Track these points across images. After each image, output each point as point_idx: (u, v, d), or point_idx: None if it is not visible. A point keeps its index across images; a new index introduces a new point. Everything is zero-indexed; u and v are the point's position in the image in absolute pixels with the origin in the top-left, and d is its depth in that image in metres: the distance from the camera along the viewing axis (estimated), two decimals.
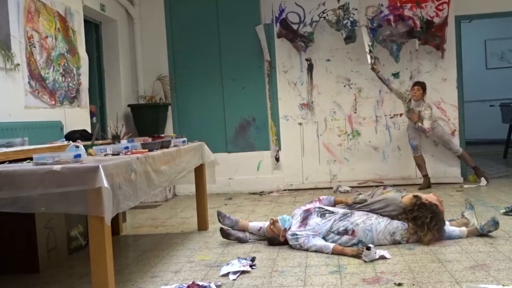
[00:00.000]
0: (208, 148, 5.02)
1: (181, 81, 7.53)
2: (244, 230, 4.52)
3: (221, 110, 7.47)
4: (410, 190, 6.68)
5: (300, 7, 7.28)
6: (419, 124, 6.62)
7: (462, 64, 7.28)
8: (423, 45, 7.07)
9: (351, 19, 7.16)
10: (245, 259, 3.77)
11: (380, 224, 4.05)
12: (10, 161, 3.17)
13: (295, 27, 7.30)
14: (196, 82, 7.50)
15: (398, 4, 7.14)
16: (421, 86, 6.72)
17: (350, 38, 7.14)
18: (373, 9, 7.17)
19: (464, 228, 4.21)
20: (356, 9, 7.14)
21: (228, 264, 3.68)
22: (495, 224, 4.10)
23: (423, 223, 4.01)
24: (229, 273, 3.54)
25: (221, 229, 4.54)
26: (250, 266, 3.66)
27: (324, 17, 7.23)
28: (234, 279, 3.46)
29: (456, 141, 7.09)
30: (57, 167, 2.71)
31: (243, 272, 3.57)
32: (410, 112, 6.74)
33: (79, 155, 2.92)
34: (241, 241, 4.45)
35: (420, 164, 6.89)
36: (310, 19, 7.27)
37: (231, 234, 4.49)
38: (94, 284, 2.76)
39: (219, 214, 4.60)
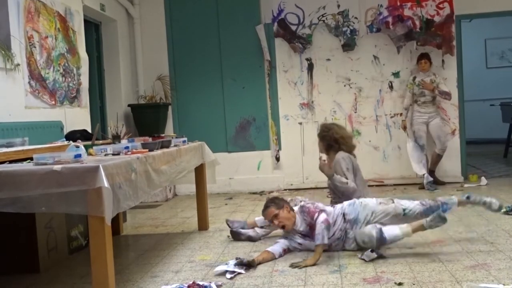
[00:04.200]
0: (209, 147, 5.02)
1: (181, 81, 7.54)
2: (253, 227, 4.54)
3: (221, 109, 7.47)
4: (410, 189, 6.74)
5: (300, 9, 7.29)
6: (439, 89, 6.73)
7: (462, 64, 7.28)
8: (422, 46, 7.09)
9: (350, 27, 7.18)
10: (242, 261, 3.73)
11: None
12: (11, 161, 3.18)
13: (293, 28, 7.30)
14: (197, 82, 7.50)
15: (398, 4, 7.14)
16: (428, 58, 6.83)
17: (348, 46, 7.18)
18: (373, 11, 7.18)
19: (404, 225, 3.79)
20: (356, 18, 7.16)
21: (226, 264, 3.67)
22: (442, 220, 3.70)
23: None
24: (226, 271, 3.54)
25: (231, 231, 4.56)
26: (246, 269, 3.64)
27: (323, 21, 7.24)
28: (230, 277, 3.46)
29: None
30: (57, 167, 2.71)
31: (239, 273, 3.56)
32: (422, 83, 6.75)
33: (79, 155, 2.92)
34: (252, 239, 4.46)
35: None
36: (309, 21, 7.28)
37: (242, 234, 4.51)
38: (94, 284, 2.76)
39: (227, 221, 4.65)
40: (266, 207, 4.06)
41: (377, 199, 4.00)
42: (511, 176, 7.40)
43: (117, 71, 7.14)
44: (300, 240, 3.99)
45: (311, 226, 3.88)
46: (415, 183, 7.02)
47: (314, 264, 3.66)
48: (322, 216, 3.79)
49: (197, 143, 4.80)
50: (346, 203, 4.04)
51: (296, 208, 4.07)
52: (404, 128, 7.00)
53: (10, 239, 3.87)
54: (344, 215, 3.93)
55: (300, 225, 3.97)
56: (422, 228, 3.76)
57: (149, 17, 7.55)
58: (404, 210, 3.88)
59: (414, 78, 6.85)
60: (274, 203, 4.04)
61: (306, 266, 3.64)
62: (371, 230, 3.74)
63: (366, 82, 7.26)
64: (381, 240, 3.72)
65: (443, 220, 3.70)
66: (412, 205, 3.92)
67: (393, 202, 3.95)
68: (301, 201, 4.23)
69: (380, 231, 3.73)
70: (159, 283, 3.46)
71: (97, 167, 2.67)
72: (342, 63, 7.28)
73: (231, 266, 3.60)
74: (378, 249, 3.74)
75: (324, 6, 7.24)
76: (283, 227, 4.01)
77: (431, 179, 6.69)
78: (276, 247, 3.94)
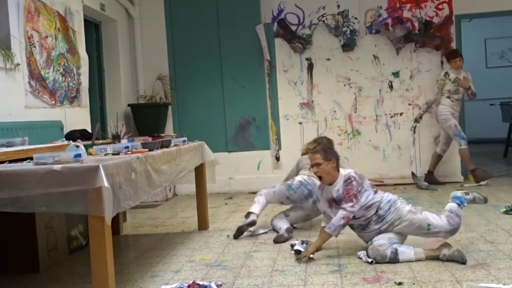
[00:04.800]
0: (208, 147, 5.02)
1: (181, 80, 7.54)
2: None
3: (221, 109, 7.47)
4: (410, 189, 6.73)
5: (300, 9, 7.29)
6: (472, 89, 6.78)
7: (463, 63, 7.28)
8: (421, 47, 7.10)
9: (350, 27, 7.19)
10: (307, 243, 4.02)
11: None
12: (11, 161, 3.18)
13: (293, 28, 7.31)
14: (196, 82, 7.50)
15: (397, 5, 7.16)
16: (461, 55, 6.84)
17: (348, 46, 7.20)
18: (372, 12, 7.19)
19: (420, 251, 3.66)
20: (356, 18, 7.17)
21: (295, 244, 3.97)
22: (461, 259, 3.52)
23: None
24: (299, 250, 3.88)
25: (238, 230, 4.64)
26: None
27: (323, 21, 7.25)
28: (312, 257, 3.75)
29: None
30: (57, 166, 2.71)
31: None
32: (457, 81, 6.71)
33: (79, 155, 2.92)
34: (253, 223, 4.60)
35: (469, 157, 6.74)
36: (309, 21, 7.29)
37: (243, 227, 4.59)
38: (94, 284, 2.76)
39: (238, 229, 4.65)
40: (315, 151, 3.94)
41: (410, 207, 3.81)
42: (511, 176, 7.40)
43: (117, 71, 7.14)
44: (327, 210, 3.90)
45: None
46: (415, 183, 7.01)
47: (316, 250, 3.74)
48: (349, 213, 3.70)
49: (197, 142, 4.80)
50: (385, 198, 3.83)
51: (342, 171, 3.90)
52: (416, 120, 6.93)
53: (10, 239, 3.87)
54: (378, 208, 3.78)
55: (337, 190, 3.83)
56: (437, 258, 3.60)
57: (149, 17, 7.55)
58: (428, 225, 3.70)
59: (447, 74, 6.79)
60: (323, 152, 3.88)
61: (308, 255, 3.71)
62: (386, 249, 3.61)
63: (366, 82, 7.26)
64: (394, 260, 3.59)
65: (462, 260, 3.52)
66: (439, 223, 3.71)
67: (421, 214, 3.77)
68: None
69: (395, 252, 3.60)
70: (159, 283, 3.46)
71: (97, 167, 2.67)
72: (342, 63, 7.28)
73: (299, 245, 3.87)
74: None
75: (324, 6, 7.25)
76: (320, 177, 3.87)
77: (424, 183, 6.76)
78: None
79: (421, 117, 6.95)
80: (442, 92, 6.82)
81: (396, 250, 3.62)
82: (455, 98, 6.79)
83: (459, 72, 6.80)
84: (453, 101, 6.79)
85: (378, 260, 3.61)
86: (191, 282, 3.34)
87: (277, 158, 7.40)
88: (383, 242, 3.67)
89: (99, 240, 2.73)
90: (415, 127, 6.98)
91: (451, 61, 6.81)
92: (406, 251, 3.63)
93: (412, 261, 3.59)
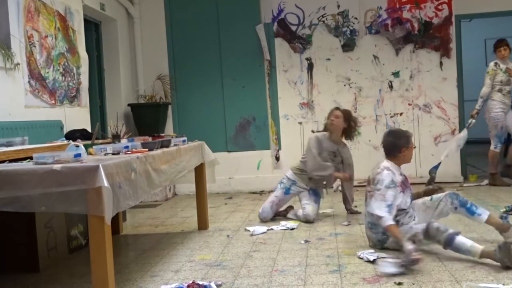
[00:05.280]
0: (208, 147, 5.02)
1: (181, 80, 7.54)
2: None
3: (221, 109, 7.48)
4: None
5: (300, 9, 7.31)
6: None
7: (462, 63, 7.29)
8: (420, 48, 7.10)
9: (350, 27, 7.20)
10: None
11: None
12: (10, 161, 3.18)
13: (293, 28, 7.33)
14: (196, 81, 7.51)
15: (397, 6, 7.16)
16: (507, 44, 6.56)
17: (348, 46, 7.22)
18: (372, 13, 7.20)
19: (477, 245, 3.49)
20: (356, 18, 7.18)
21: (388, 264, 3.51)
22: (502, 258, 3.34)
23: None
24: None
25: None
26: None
27: (323, 21, 7.26)
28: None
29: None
30: (57, 166, 2.71)
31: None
32: (508, 70, 6.45)
33: (79, 155, 2.92)
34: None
35: (498, 160, 6.64)
36: (309, 21, 7.30)
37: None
38: (94, 283, 2.76)
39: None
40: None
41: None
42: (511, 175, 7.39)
43: (117, 70, 7.14)
44: (399, 195, 3.98)
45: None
46: (414, 183, 6.98)
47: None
48: None
49: (197, 142, 4.81)
50: None
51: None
52: (473, 117, 6.64)
53: (10, 239, 3.87)
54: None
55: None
56: (492, 256, 3.39)
57: (149, 16, 7.55)
58: (431, 197, 4.05)
59: (497, 64, 6.57)
60: None
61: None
62: (449, 229, 3.59)
63: (366, 82, 7.26)
64: (449, 240, 3.53)
65: (503, 260, 3.34)
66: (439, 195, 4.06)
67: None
68: None
69: (455, 233, 3.54)
70: (159, 283, 3.46)
71: (97, 167, 2.67)
72: (342, 62, 7.29)
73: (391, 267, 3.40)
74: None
75: (324, 6, 7.26)
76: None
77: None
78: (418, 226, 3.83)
79: (477, 113, 6.69)
80: (493, 85, 6.56)
81: (458, 233, 3.54)
82: (507, 90, 6.54)
83: (506, 62, 6.57)
84: (505, 94, 6.55)
85: (441, 231, 3.55)
86: (190, 282, 3.34)
87: (277, 158, 7.40)
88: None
89: (99, 240, 2.73)
90: (470, 124, 6.74)
91: (496, 50, 6.62)
92: (465, 239, 3.53)
93: (464, 252, 3.49)
